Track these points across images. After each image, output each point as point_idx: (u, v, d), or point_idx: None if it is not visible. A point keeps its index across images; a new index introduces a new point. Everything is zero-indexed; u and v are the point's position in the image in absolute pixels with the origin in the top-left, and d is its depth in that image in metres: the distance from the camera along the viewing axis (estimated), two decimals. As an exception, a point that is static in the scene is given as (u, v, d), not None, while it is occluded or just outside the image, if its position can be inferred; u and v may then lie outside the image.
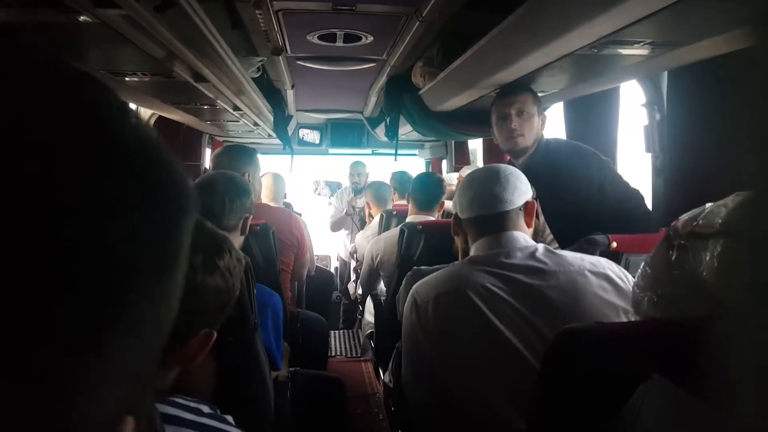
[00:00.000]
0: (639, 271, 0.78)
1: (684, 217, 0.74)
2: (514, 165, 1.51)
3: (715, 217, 0.70)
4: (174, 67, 1.42)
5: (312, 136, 4.70)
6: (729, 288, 0.64)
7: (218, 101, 2.06)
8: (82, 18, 1.00)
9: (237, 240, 1.51)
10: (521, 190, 1.17)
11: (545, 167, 1.63)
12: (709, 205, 0.73)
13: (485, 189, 1.17)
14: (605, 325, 0.77)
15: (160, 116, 3.06)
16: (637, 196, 1.64)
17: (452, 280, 1.10)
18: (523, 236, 1.14)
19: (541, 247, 1.12)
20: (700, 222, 0.71)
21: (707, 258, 0.67)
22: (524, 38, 1.24)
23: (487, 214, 1.15)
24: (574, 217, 1.51)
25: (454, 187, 3.42)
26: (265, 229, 1.88)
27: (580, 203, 1.51)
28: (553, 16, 1.08)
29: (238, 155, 2.06)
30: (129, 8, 0.93)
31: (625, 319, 1.01)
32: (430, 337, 1.08)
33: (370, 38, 2.02)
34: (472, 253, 1.16)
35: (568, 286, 1.05)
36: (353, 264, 3.96)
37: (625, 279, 1.08)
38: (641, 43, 1.16)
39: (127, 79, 1.59)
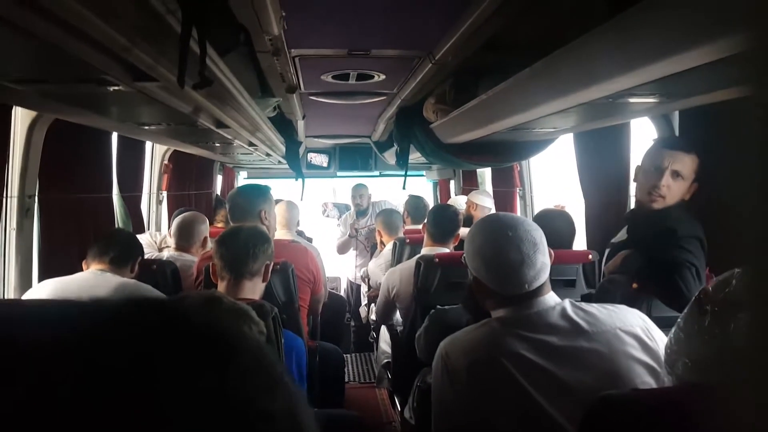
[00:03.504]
0: (671, 333, 0.80)
1: (715, 281, 0.77)
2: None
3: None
4: (198, 119, 1.46)
5: (320, 159, 4.76)
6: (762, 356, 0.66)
7: (235, 141, 2.10)
8: (116, 88, 1.04)
9: (259, 287, 1.54)
10: (547, 263, 1.13)
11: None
12: (738, 269, 0.75)
13: (511, 270, 1.10)
14: (641, 392, 0.79)
15: (174, 149, 3.12)
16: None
17: (484, 346, 1.09)
18: (551, 297, 1.13)
19: (568, 303, 1.12)
20: (732, 289, 0.73)
21: (740, 325, 0.70)
22: (541, 89, 1.28)
23: (515, 294, 1.12)
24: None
25: (463, 212, 3.46)
26: (285, 267, 1.90)
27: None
28: (572, 71, 1.12)
29: (252, 195, 2.10)
30: (166, 81, 0.97)
31: (652, 378, 1.01)
32: (464, 406, 1.08)
33: (383, 77, 2.06)
34: (501, 312, 1.15)
35: (602, 348, 1.05)
36: (364, 288, 3.97)
37: (651, 336, 1.08)
38: (654, 95, 1.19)
39: (150, 128, 1.63)
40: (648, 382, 1.01)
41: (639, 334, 1.06)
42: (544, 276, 1.13)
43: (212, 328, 0.26)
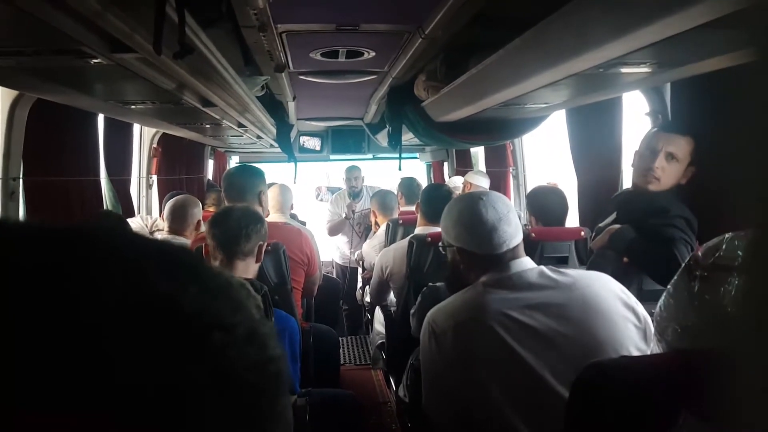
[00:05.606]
0: (661, 300, 0.80)
1: (704, 247, 0.76)
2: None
3: (736, 249, 0.71)
4: (183, 96, 1.43)
5: (313, 142, 4.71)
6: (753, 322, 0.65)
7: (224, 121, 2.07)
8: (95, 61, 1.01)
9: (252, 267, 1.53)
10: (519, 225, 1.21)
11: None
12: (728, 235, 0.74)
13: (491, 227, 1.18)
14: (631, 359, 0.78)
15: (163, 133, 3.07)
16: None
17: (470, 308, 1.12)
18: (528, 260, 1.19)
19: (545, 267, 1.17)
20: (722, 254, 0.72)
21: (731, 290, 0.69)
22: (532, 59, 1.26)
23: (495, 253, 1.18)
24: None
25: (459, 192, 3.44)
26: (276, 247, 1.89)
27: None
28: (562, 40, 1.09)
29: (251, 176, 2.08)
30: (144, 52, 0.94)
31: (636, 335, 1.04)
32: (451, 367, 1.10)
33: (372, 53, 2.02)
34: (483, 278, 1.17)
35: (583, 304, 1.08)
36: (360, 271, 3.97)
37: (628, 294, 1.13)
38: (646, 64, 1.17)
39: (135, 107, 1.60)
40: (630, 336, 1.06)
41: (617, 292, 1.12)
42: (520, 236, 1.21)
43: (180, 251, 0.26)
